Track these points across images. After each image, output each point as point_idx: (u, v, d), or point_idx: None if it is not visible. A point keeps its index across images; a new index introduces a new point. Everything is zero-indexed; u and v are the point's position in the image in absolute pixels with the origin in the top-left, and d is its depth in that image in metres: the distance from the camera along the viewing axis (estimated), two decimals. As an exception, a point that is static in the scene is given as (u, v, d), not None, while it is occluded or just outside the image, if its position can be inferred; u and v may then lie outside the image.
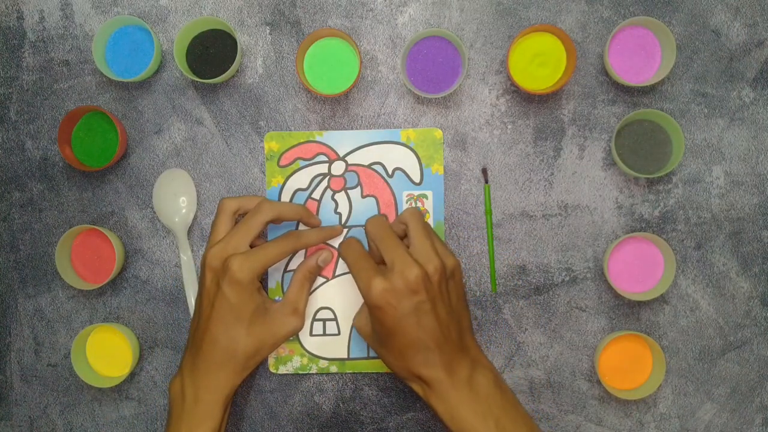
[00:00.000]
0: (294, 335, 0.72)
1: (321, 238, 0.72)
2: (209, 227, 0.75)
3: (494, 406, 0.64)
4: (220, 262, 0.66)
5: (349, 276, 0.74)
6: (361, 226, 0.74)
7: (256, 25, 0.75)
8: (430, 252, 0.65)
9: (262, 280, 0.75)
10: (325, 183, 0.75)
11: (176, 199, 0.75)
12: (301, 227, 0.74)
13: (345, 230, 0.74)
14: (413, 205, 0.74)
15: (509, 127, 0.74)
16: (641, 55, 0.73)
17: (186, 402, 0.67)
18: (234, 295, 0.66)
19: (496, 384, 0.65)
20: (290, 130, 0.75)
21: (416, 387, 0.66)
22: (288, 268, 0.74)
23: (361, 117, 0.75)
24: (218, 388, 0.67)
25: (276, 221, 0.70)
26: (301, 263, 0.73)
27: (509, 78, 0.73)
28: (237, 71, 0.75)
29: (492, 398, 0.64)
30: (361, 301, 0.74)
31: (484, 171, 0.74)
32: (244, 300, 0.66)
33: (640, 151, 0.73)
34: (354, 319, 0.70)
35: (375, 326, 0.66)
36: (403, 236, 0.69)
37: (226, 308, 0.66)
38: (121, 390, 0.76)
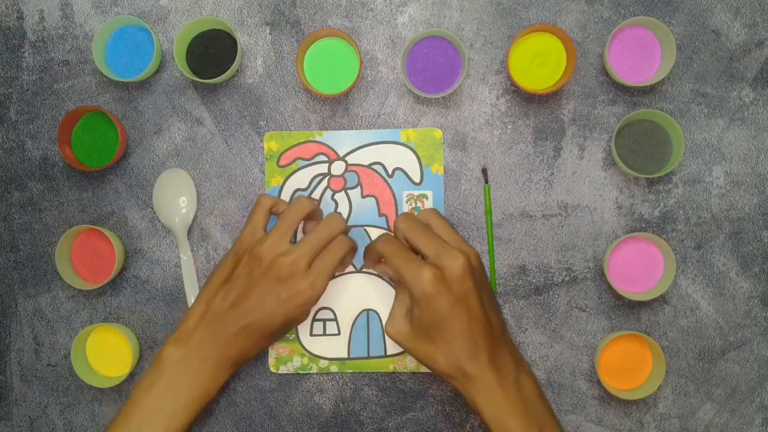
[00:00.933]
0: (310, 305, 0.68)
1: (352, 250, 0.71)
2: (209, 227, 0.75)
3: (538, 412, 0.64)
4: (288, 270, 0.65)
5: (349, 276, 0.74)
6: (362, 226, 0.74)
7: (256, 25, 0.75)
8: (463, 243, 0.65)
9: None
10: (324, 183, 0.75)
11: (176, 199, 0.75)
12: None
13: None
14: (413, 205, 0.74)
15: (509, 127, 0.74)
16: (641, 55, 0.73)
17: (187, 373, 0.66)
18: (295, 313, 0.66)
19: (539, 389, 0.66)
20: (290, 130, 0.75)
21: (459, 384, 0.64)
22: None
23: (361, 117, 0.75)
24: (225, 369, 0.67)
25: (308, 218, 0.70)
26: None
27: (509, 78, 0.73)
28: (237, 71, 0.75)
29: (537, 403, 0.64)
30: (361, 300, 0.74)
31: (484, 171, 0.74)
32: (299, 314, 0.67)
33: (640, 151, 0.73)
34: (387, 326, 0.67)
35: (422, 318, 0.63)
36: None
37: (280, 322, 0.66)
38: (121, 390, 0.76)
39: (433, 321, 0.63)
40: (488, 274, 0.74)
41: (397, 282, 0.69)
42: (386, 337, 0.74)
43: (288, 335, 0.74)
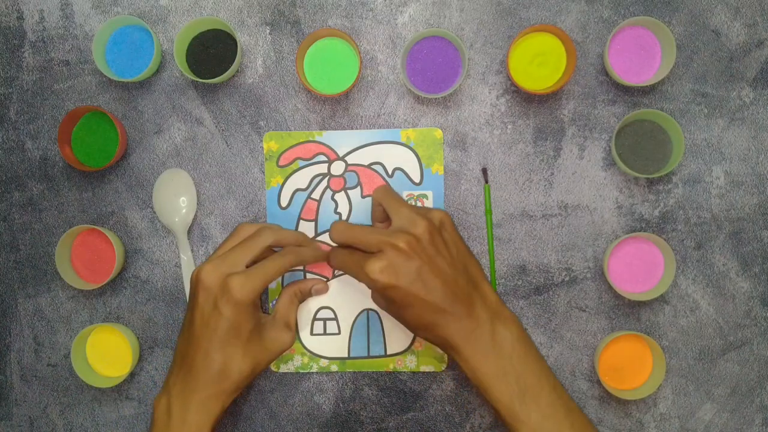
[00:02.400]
0: (286, 350, 0.70)
1: (317, 258, 0.70)
2: (209, 227, 0.75)
3: (516, 362, 0.62)
4: (217, 280, 0.64)
5: (349, 276, 0.74)
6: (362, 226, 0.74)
7: (256, 25, 0.75)
8: (411, 215, 0.64)
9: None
10: (324, 183, 0.75)
11: (176, 199, 0.75)
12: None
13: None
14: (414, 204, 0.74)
15: (509, 127, 0.74)
16: (641, 55, 0.73)
17: (172, 422, 0.64)
18: (233, 315, 0.64)
19: (520, 339, 0.64)
20: (290, 130, 0.75)
21: (446, 350, 0.65)
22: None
23: (361, 117, 0.75)
24: (209, 409, 0.65)
25: (275, 246, 0.69)
26: (294, 281, 0.73)
27: (509, 78, 0.73)
28: (237, 71, 0.75)
29: (516, 353, 0.63)
30: (361, 300, 0.74)
31: (484, 171, 0.74)
32: (243, 320, 0.64)
33: (640, 151, 0.73)
34: (372, 297, 0.70)
35: (390, 308, 0.65)
36: (385, 218, 0.69)
37: (223, 328, 0.64)
38: (121, 390, 0.76)
39: (397, 306, 0.63)
40: (488, 275, 0.74)
41: None
42: (386, 336, 0.74)
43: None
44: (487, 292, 0.65)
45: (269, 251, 0.69)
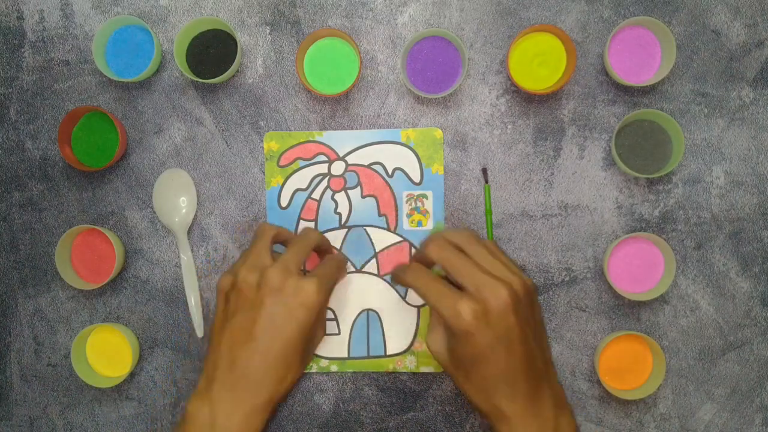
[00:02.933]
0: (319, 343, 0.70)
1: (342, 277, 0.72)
2: (209, 227, 0.75)
3: None
4: (291, 284, 0.61)
5: (349, 276, 0.74)
6: (361, 225, 0.74)
7: (256, 25, 0.75)
8: (506, 271, 0.59)
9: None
10: (324, 183, 0.75)
11: (176, 199, 0.75)
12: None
13: (345, 230, 0.74)
14: (414, 205, 0.74)
15: (509, 127, 0.74)
16: (641, 55, 0.73)
17: (213, 420, 0.59)
18: (307, 321, 0.61)
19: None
20: (290, 130, 0.75)
21: (494, 421, 0.59)
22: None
23: (361, 117, 0.75)
24: (255, 422, 0.60)
25: (319, 247, 0.69)
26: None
27: (509, 78, 0.73)
28: (237, 71, 0.75)
29: None
30: (361, 300, 0.74)
31: (484, 171, 0.74)
32: (312, 326, 0.62)
33: (640, 151, 0.73)
34: (428, 339, 0.64)
35: (459, 353, 0.59)
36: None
37: (294, 335, 0.60)
38: (121, 390, 0.76)
39: (469, 357, 0.58)
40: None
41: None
42: (386, 336, 0.74)
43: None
44: (554, 378, 0.61)
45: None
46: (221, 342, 0.62)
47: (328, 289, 0.63)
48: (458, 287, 0.59)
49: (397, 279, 0.65)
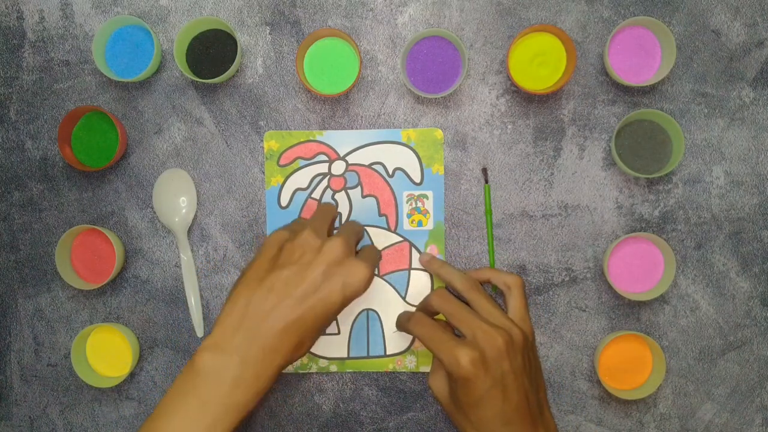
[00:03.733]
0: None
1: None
2: (209, 227, 0.75)
3: None
4: (349, 263, 0.62)
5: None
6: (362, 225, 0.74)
7: (256, 25, 0.75)
8: (505, 321, 0.63)
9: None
10: (325, 183, 0.75)
11: (176, 199, 0.75)
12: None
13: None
14: (414, 205, 0.74)
15: (509, 127, 0.74)
16: (641, 55, 0.73)
17: (230, 379, 0.58)
18: (344, 305, 0.62)
19: None
20: (290, 130, 0.75)
21: None
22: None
23: (361, 117, 0.75)
24: (262, 385, 0.59)
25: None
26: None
27: (509, 78, 0.73)
28: (237, 71, 0.75)
29: None
30: (361, 300, 0.74)
31: (484, 171, 0.74)
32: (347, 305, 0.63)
33: (640, 151, 0.73)
34: (429, 380, 0.67)
35: (459, 396, 0.62)
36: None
37: (330, 312, 0.61)
38: (121, 390, 0.76)
39: (468, 401, 0.61)
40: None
41: None
42: (386, 336, 0.74)
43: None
44: (549, 418, 0.65)
45: None
46: (257, 289, 0.61)
47: (372, 271, 0.63)
48: (459, 335, 0.63)
49: (402, 327, 0.69)
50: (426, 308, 0.68)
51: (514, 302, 0.67)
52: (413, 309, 0.74)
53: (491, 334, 0.61)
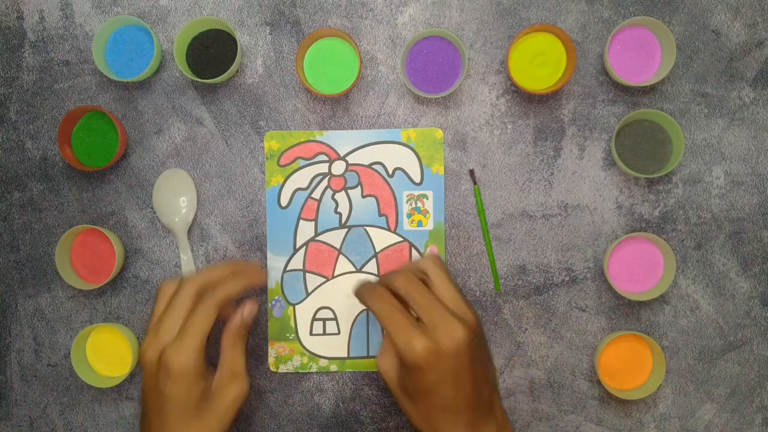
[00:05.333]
0: (244, 400, 0.64)
1: (242, 286, 0.65)
2: (209, 227, 0.75)
3: None
4: (154, 355, 0.61)
5: (350, 276, 0.74)
6: (361, 225, 0.74)
7: (256, 25, 0.75)
8: (464, 307, 0.61)
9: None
10: (325, 183, 0.75)
11: (176, 199, 0.75)
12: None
13: (345, 230, 0.74)
14: (414, 205, 0.74)
15: (509, 127, 0.74)
16: (641, 55, 0.73)
17: None
18: (176, 390, 0.60)
19: None
20: (290, 130, 0.75)
21: None
22: (288, 268, 0.74)
23: (361, 117, 0.75)
24: None
25: (204, 289, 0.64)
26: (225, 327, 0.65)
27: (509, 78, 0.73)
28: (237, 71, 0.75)
29: None
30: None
31: (472, 172, 0.74)
32: (188, 392, 0.61)
33: (640, 151, 0.73)
34: (378, 359, 0.64)
35: (409, 383, 0.61)
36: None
37: (170, 409, 0.60)
38: (121, 390, 0.76)
39: (417, 389, 0.60)
40: (488, 275, 0.74)
41: None
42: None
43: (288, 335, 0.74)
44: (497, 404, 0.63)
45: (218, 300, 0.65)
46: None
47: (190, 349, 0.61)
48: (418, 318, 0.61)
49: (359, 297, 0.65)
50: (388, 284, 0.64)
51: (446, 290, 0.62)
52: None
53: (451, 326, 0.59)
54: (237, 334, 0.65)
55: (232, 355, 0.64)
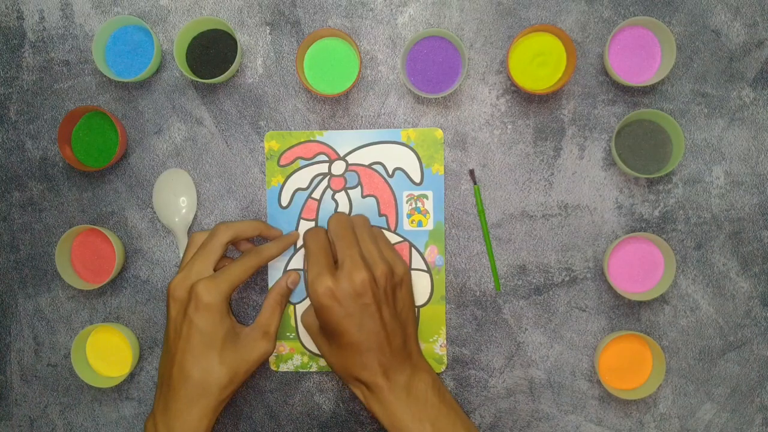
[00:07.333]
0: (266, 359, 0.70)
1: (281, 249, 0.71)
2: (209, 227, 0.75)
3: (431, 409, 0.64)
4: (184, 290, 0.65)
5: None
6: (361, 226, 0.74)
7: (256, 25, 0.75)
8: (377, 257, 0.65)
9: (263, 278, 0.75)
10: (325, 183, 0.75)
11: (176, 199, 0.75)
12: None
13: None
14: (414, 205, 0.74)
15: (509, 127, 0.74)
16: (641, 55, 0.73)
17: None
18: (203, 321, 0.64)
19: (434, 387, 0.66)
20: (290, 130, 0.75)
21: (356, 390, 0.66)
22: (288, 268, 0.74)
23: (361, 117, 0.75)
24: (193, 428, 0.64)
25: (235, 241, 0.70)
26: (272, 287, 0.73)
27: (509, 78, 0.73)
28: (237, 71, 0.75)
29: (429, 402, 0.65)
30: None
31: (472, 172, 0.74)
32: (214, 325, 0.65)
33: (640, 151, 0.73)
34: (302, 316, 0.71)
35: (321, 323, 0.66)
36: None
37: (196, 337, 0.64)
38: (121, 390, 0.76)
39: (326, 329, 0.65)
40: (488, 275, 0.74)
41: None
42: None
43: (288, 334, 0.74)
44: (413, 351, 0.67)
45: (245, 246, 0.72)
46: (160, 359, 0.69)
47: (222, 287, 0.65)
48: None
49: (304, 235, 0.70)
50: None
51: (362, 241, 0.67)
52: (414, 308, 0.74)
53: (356, 269, 0.63)
54: (280, 297, 0.71)
55: (270, 316, 0.70)
